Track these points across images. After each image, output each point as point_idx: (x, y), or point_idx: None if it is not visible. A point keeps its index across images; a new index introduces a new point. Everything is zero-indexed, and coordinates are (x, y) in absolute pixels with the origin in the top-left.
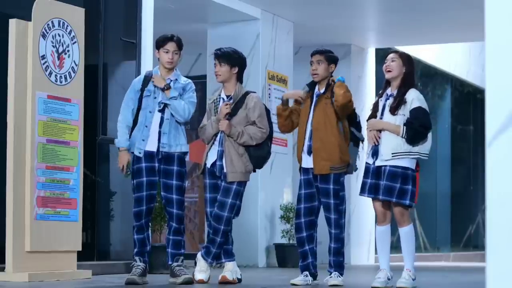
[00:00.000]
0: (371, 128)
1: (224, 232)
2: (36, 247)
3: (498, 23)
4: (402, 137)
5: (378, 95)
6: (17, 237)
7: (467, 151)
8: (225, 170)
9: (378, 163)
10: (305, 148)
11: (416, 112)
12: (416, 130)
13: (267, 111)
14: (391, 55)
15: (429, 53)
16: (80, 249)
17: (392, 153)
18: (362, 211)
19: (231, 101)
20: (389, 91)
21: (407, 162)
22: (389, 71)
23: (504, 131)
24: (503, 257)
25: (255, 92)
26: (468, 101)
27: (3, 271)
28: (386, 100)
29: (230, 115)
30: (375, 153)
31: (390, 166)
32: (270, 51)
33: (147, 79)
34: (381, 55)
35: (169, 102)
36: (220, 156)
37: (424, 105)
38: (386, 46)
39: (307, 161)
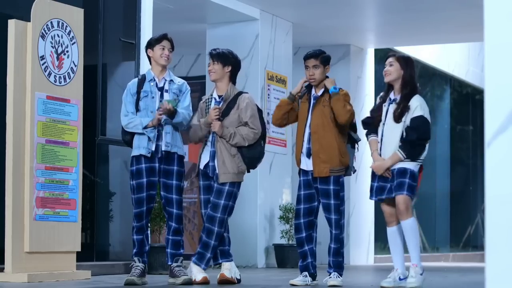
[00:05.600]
0: (379, 172)
1: (218, 234)
2: (36, 248)
3: (497, 23)
4: (404, 159)
5: (381, 97)
6: (17, 237)
7: (466, 152)
8: (217, 171)
9: None
10: (304, 150)
11: (417, 122)
12: (413, 144)
13: (259, 111)
14: (389, 59)
15: (428, 54)
16: (79, 249)
17: None
18: (362, 212)
19: (223, 101)
20: (392, 95)
21: (413, 166)
22: (387, 75)
23: (503, 132)
24: (502, 257)
25: (247, 93)
26: (467, 102)
27: (3, 271)
28: (389, 105)
29: (222, 116)
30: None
31: (398, 167)
32: (269, 52)
33: (141, 81)
34: (380, 55)
35: (176, 125)
36: (213, 156)
37: (427, 114)
38: (385, 47)
39: (306, 164)
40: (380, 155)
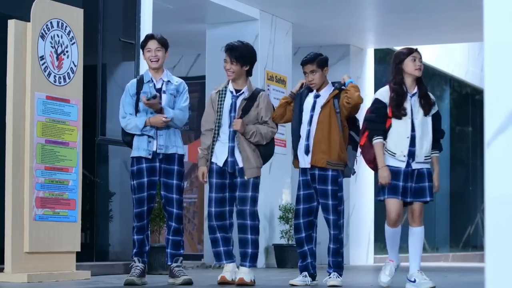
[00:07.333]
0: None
1: (252, 227)
2: (35, 248)
3: (497, 23)
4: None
5: (398, 94)
6: (16, 238)
7: (466, 152)
8: (240, 166)
9: (414, 166)
10: (303, 147)
11: (439, 119)
12: (440, 140)
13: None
14: (418, 54)
15: (427, 54)
16: (79, 249)
17: (425, 156)
18: (361, 212)
19: (244, 95)
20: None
21: (429, 164)
22: (421, 69)
23: (503, 132)
24: (502, 257)
25: (264, 90)
26: (467, 102)
27: (2, 271)
28: (411, 99)
29: (243, 113)
30: (411, 155)
31: (426, 168)
32: (269, 52)
33: (139, 82)
34: (380, 55)
35: (169, 122)
36: (232, 152)
37: None
38: (385, 47)
39: (305, 161)
40: (415, 149)
